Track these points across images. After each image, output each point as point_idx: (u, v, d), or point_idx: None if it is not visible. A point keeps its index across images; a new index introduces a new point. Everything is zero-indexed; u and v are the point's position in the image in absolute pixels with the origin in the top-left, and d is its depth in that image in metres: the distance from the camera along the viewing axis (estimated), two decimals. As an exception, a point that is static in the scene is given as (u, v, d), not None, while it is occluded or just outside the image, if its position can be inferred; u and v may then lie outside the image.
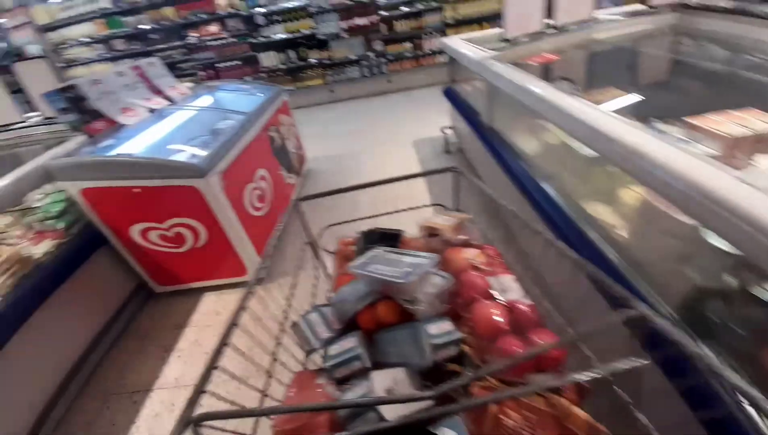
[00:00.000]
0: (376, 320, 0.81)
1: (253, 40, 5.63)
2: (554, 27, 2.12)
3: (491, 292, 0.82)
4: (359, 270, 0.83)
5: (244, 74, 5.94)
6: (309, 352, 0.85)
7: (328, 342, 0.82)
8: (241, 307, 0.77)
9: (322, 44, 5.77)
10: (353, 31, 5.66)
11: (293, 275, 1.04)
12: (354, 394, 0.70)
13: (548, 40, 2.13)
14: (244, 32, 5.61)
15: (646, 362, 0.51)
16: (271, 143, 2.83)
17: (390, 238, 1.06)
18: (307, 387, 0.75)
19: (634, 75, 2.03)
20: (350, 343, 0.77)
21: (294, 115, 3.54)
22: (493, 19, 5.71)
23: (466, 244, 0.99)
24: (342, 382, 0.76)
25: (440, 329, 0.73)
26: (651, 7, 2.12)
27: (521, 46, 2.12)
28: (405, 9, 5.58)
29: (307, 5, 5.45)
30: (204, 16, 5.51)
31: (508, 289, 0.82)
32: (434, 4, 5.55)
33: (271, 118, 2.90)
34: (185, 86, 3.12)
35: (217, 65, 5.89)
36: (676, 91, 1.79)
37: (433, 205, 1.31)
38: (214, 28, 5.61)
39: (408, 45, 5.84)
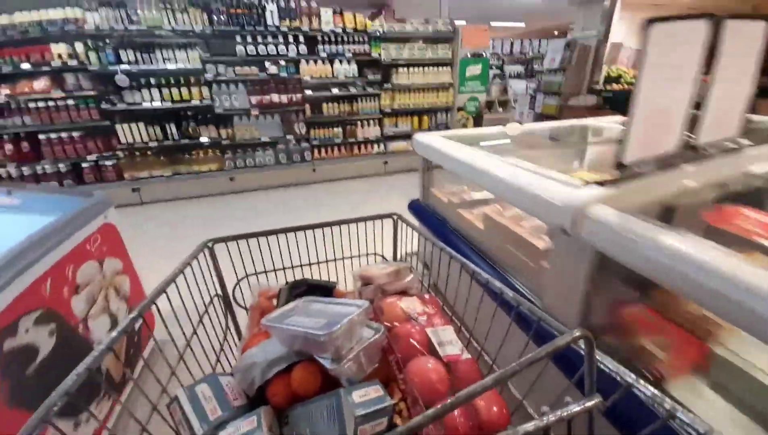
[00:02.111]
0: (290, 391, 0.65)
1: (109, 106, 3.81)
2: (693, 147, 1.04)
3: (430, 346, 0.73)
4: (273, 323, 0.69)
5: (87, 151, 3.93)
6: None
7: (220, 425, 0.59)
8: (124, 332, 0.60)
9: (220, 120, 4.26)
10: (267, 108, 4.36)
11: (188, 336, 0.81)
12: None
13: (687, 171, 1.02)
14: (93, 94, 3.78)
15: (599, 401, 0.46)
16: None
17: (321, 291, 0.91)
18: None
19: None
20: (250, 424, 0.58)
21: (165, 212, 1.91)
22: (429, 112, 5.14)
23: (403, 293, 0.92)
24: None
25: (367, 396, 0.58)
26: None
27: (648, 180, 0.96)
28: (336, 91, 4.59)
29: (200, 70, 4.02)
30: (26, 68, 3.56)
31: (447, 342, 0.73)
32: (371, 90, 4.71)
33: (28, 291, 1.12)
34: None
35: (39, 136, 3.78)
36: None
37: (372, 254, 1.21)
38: (42, 84, 3.65)
39: (337, 130, 4.76)
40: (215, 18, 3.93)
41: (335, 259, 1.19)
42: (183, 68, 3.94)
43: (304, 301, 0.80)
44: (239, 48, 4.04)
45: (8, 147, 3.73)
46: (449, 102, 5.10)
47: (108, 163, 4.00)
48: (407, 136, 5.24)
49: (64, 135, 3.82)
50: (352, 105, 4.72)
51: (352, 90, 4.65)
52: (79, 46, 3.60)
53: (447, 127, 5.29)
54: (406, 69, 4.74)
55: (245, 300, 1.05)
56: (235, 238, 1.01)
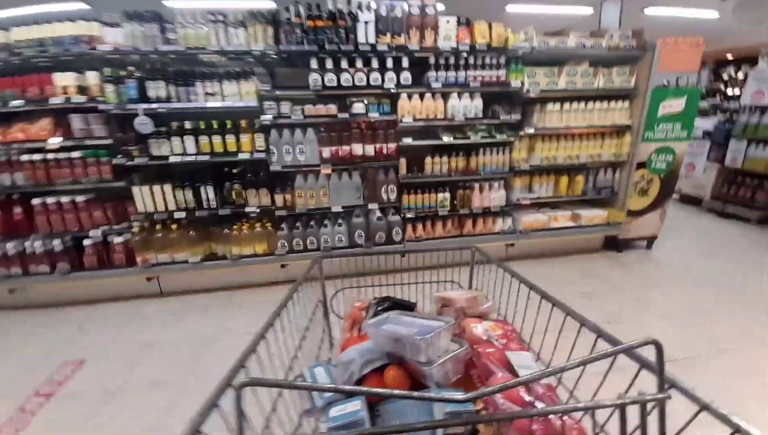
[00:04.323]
0: (382, 387, 0.73)
1: (124, 161, 2.60)
2: None
3: (509, 367, 0.77)
4: (373, 327, 0.79)
5: (93, 221, 2.71)
6: (306, 412, 0.74)
7: (331, 403, 0.71)
8: (262, 336, 0.78)
9: (277, 181, 2.87)
10: (344, 163, 2.89)
11: (303, 329, 1.04)
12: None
13: None
14: (106, 144, 2.61)
15: (667, 395, 0.53)
16: None
17: (403, 308, 1.00)
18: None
19: None
20: (354, 405, 0.68)
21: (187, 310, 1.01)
22: (583, 169, 3.30)
23: (482, 316, 0.99)
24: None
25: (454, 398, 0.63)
26: None
27: None
28: (449, 139, 3.00)
29: (256, 110, 2.70)
30: (18, 103, 2.50)
31: (526, 366, 0.77)
32: (500, 137, 3.05)
33: None
34: None
35: (32, 200, 2.66)
36: None
37: (449, 281, 1.37)
38: (42, 126, 2.57)
39: (444, 196, 3.12)
40: (284, 35, 2.63)
41: (416, 283, 1.34)
42: (232, 106, 2.64)
43: (395, 314, 0.86)
44: (314, 77, 2.67)
45: (-7, 214, 2.65)
46: (622, 153, 3.23)
47: (118, 239, 2.75)
48: (545, 205, 3.42)
49: (64, 199, 2.66)
50: (468, 159, 3.09)
51: (472, 137, 3.03)
52: (92, 76, 2.47)
53: (614, 192, 3.37)
54: (558, 104, 3.02)
55: (339, 308, 1.26)
56: (339, 256, 1.36)
